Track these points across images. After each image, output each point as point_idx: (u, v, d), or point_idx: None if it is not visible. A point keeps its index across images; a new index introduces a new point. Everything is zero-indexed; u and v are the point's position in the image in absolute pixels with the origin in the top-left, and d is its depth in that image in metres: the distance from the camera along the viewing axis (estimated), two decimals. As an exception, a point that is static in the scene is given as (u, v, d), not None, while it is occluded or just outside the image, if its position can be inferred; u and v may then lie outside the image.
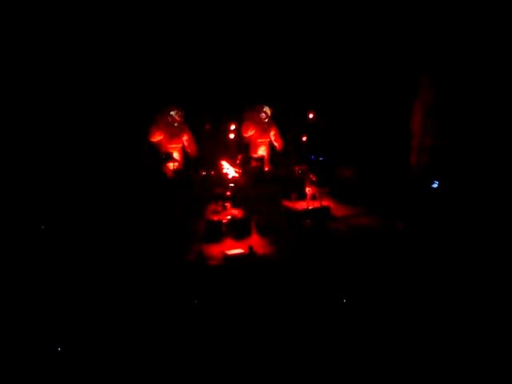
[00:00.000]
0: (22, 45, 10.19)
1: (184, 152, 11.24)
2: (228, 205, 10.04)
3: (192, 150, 11.27)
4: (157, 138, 10.79)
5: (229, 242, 8.90)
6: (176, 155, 10.89)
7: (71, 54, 10.70)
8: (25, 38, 10.18)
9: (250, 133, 11.44)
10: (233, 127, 11.36)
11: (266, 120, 11.50)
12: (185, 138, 11.15)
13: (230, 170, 10.99)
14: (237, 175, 10.88)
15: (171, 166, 10.48)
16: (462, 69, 10.32)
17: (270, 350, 5.58)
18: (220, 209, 9.93)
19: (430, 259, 7.65)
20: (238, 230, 9.16)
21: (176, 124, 10.86)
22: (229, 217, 9.50)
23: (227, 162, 11.13)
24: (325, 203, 10.25)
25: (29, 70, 10.29)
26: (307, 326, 6.02)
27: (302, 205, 10.35)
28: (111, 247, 8.06)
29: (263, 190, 10.55)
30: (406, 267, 7.43)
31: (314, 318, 6.16)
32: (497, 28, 9.87)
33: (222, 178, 10.78)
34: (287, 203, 10.53)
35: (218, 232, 9.07)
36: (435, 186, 10.24)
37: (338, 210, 10.31)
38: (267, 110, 11.42)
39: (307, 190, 10.63)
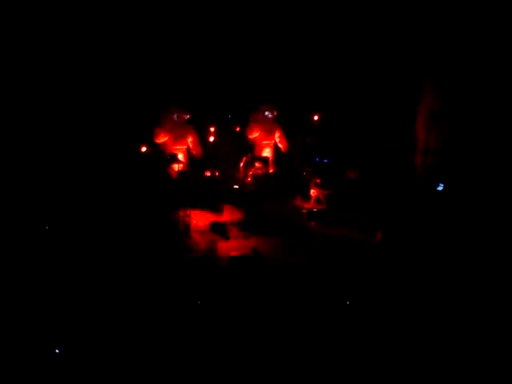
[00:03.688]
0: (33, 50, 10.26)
1: (189, 153, 11.25)
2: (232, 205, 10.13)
3: (197, 151, 11.27)
4: (162, 139, 10.80)
5: (233, 242, 8.91)
6: (181, 156, 10.90)
7: (79, 57, 10.74)
8: (34, 42, 10.25)
9: (254, 134, 11.44)
10: (238, 129, 11.40)
11: (270, 116, 11.45)
12: (190, 139, 11.16)
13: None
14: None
15: (176, 167, 10.50)
16: (464, 73, 10.34)
17: (272, 350, 5.57)
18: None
19: (432, 260, 7.65)
20: (241, 231, 9.22)
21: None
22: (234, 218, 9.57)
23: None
24: (329, 205, 10.25)
25: (36, 73, 10.34)
26: (310, 326, 6.02)
27: (306, 207, 10.36)
28: (115, 247, 8.07)
29: (267, 191, 10.58)
30: (408, 269, 7.42)
31: (316, 319, 6.15)
32: (497, 33, 9.89)
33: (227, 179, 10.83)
34: (292, 205, 10.53)
35: (222, 233, 9.13)
36: (440, 188, 10.22)
37: (341, 211, 10.29)
38: (271, 110, 11.43)
39: (312, 192, 10.63)
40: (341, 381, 5.21)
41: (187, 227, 9.24)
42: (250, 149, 11.56)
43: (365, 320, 6.16)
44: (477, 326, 5.98)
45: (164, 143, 10.85)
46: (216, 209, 10.19)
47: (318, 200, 10.46)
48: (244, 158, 11.21)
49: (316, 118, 11.94)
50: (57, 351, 5.50)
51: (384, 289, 6.88)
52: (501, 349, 5.56)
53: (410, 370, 5.29)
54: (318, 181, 10.74)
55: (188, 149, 11.21)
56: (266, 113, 11.43)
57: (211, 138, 11.45)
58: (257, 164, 11.09)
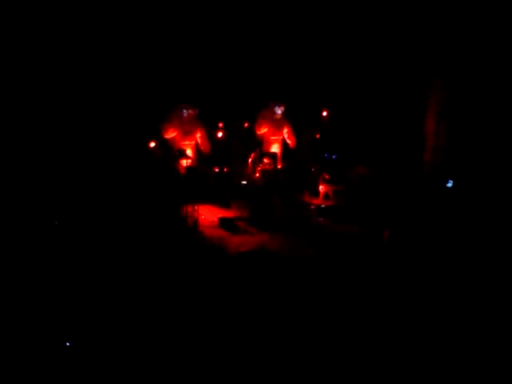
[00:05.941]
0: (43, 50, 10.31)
1: (197, 149, 11.26)
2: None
3: (205, 147, 11.29)
4: (170, 134, 10.84)
5: (241, 238, 8.92)
6: (189, 152, 10.92)
7: (87, 55, 10.77)
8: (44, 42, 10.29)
9: (263, 130, 11.44)
10: (246, 125, 11.40)
11: (280, 114, 11.44)
12: (198, 135, 11.18)
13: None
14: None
15: (184, 162, 10.52)
16: (473, 70, 10.25)
17: (277, 348, 5.57)
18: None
19: (440, 259, 7.60)
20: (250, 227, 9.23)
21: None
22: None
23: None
24: (337, 201, 10.22)
25: (48, 73, 10.40)
26: (315, 323, 6.01)
27: (314, 203, 10.33)
28: (124, 242, 8.11)
29: (276, 187, 10.57)
30: (413, 267, 7.39)
31: (321, 316, 6.14)
32: (507, 32, 9.80)
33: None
34: (300, 201, 10.51)
35: (230, 228, 9.14)
36: (450, 184, 10.16)
37: (350, 208, 10.26)
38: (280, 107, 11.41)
39: (320, 188, 10.61)
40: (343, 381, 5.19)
41: (195, 223, 9.25)
42: (258, 144, 11.57)
43: (369, 318, 6.13)
44: (484, 326, 5.93)
45: (173, 139, 10.89)
46: (224, 204, 10.19)
47: (326, 196, 10.42)
48: (252, 154, 11.22)
49: (325, 114, 11.89)
50: (67, 344, 5.55)
51: (390, 287, 6.84)
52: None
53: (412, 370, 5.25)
54: (327, 177, 10.71)
55: (196, 144, 11.23)
56: (275, 108, 11.41)
57: (219, 134, 11.45)
58: (265, 160, 11.09)
